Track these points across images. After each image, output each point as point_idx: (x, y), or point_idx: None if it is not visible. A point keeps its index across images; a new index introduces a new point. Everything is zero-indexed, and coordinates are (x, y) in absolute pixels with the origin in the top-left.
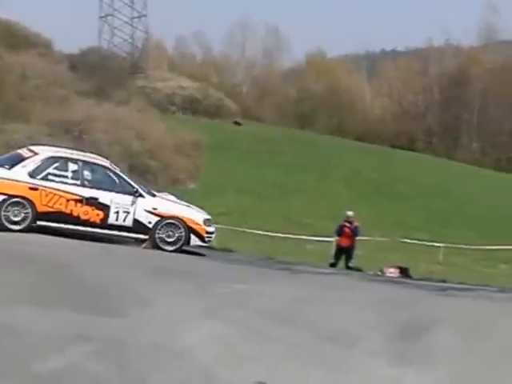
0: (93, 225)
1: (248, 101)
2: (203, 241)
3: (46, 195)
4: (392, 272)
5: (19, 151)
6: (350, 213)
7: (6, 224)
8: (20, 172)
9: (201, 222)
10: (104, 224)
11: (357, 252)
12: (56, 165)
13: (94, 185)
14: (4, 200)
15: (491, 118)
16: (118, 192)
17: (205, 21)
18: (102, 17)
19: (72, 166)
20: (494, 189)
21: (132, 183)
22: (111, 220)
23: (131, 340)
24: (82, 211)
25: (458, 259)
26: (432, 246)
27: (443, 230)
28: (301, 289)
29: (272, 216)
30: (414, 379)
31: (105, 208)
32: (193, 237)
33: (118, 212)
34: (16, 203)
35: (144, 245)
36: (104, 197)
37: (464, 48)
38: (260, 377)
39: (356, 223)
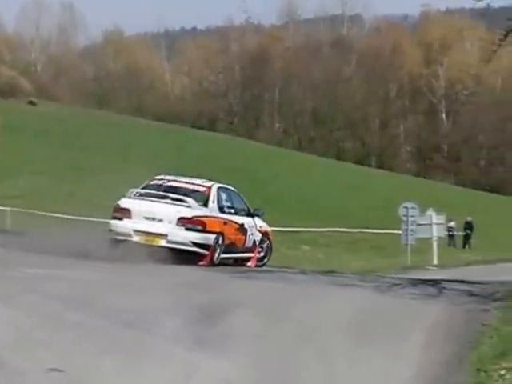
0: (239, 250)
1: (43, 80)
2: None
3: (229, 227)
4: None
5: (188, 186)
6: None
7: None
8: (214, 208)
9: (270, 233)
10: (243, 248)
11: None
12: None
13: (237, 211)
14: (216, 238)
15: (293, 98)
16: (245, 215)
17: None
18: None
19: (223, 195)
20: (296, 169)
21: (247, 204)
22: (247, 243)
23: None
24: (238, 238)
25: None
26: None
27: None
28: (99, 274)
29: (71, 199)
30: (212, 363)
31: (245, 232)
32: None
33: (249, 235)
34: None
35: (250, 263)
36: (245, 222)
37: (265, 26)
38: (54, 364)
39: None
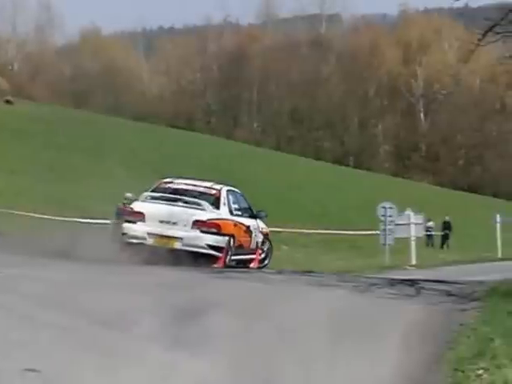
0: (245, 252)
1: (20, 79)
2: None
3: (239, 230)
4: None
5: (198, 189)
6: (128, 194)
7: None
8: (226, 211)
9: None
10: (248, 250)
11: None
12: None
13: (243, 213)
14: (229, 240)
15: (271, 98)
16: (249, 217)
17: None
18: None
19: (231, 197)
20: (275, 169)
21: (251, 206)
22: (251, 245)
23: None
24: (245, 240)
25: None
26: None
27: None
28: (76, 273)
29: (48, 198)
30: (190, 363)
31: (251, 234)
32: None
33: (254, 237)
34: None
35: (252, 264)
36: (250, 224)
37: (243, 26)
38: (30, 364)
39: None
